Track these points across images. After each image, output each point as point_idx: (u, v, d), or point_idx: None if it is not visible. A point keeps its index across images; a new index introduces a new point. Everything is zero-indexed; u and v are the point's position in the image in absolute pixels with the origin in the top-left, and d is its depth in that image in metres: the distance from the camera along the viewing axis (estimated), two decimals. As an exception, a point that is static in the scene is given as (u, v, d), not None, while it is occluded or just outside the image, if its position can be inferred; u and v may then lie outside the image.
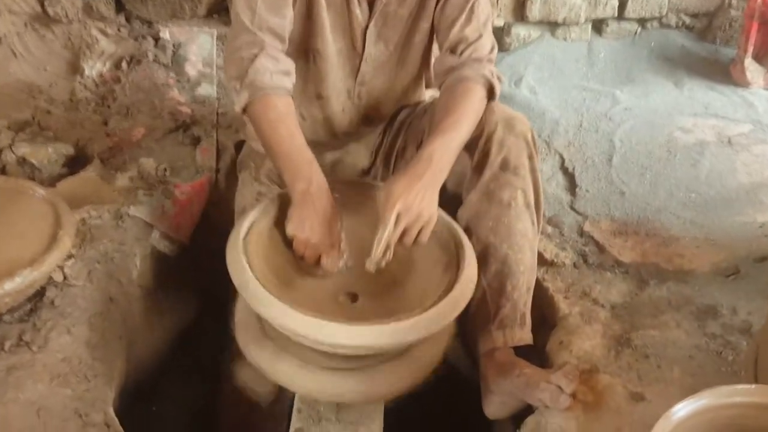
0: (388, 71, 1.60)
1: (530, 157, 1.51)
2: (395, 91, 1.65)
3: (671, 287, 1.64)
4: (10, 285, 1.37)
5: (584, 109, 2.29)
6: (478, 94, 1.45)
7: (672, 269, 1.69)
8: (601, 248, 1.76)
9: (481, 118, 1.47)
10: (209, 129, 2.06)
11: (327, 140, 1.68)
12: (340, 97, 1.61)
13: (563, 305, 1.63)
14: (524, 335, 1.51)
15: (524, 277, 1.51)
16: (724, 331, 1.52)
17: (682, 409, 1.07)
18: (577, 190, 1.97)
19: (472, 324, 1.53)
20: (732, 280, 1.66)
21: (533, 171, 1.52)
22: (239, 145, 1.88)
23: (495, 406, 1.47)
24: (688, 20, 2.64)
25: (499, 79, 1.49)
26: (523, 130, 1.50)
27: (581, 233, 1.82)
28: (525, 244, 1.51)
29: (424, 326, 1.25)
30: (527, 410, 1.43)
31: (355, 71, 1.58)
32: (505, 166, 1.50)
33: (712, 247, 1.76)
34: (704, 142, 2.13)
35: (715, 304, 1.59)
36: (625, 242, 1.78)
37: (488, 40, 1.50)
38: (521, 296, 1.51)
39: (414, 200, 1.30)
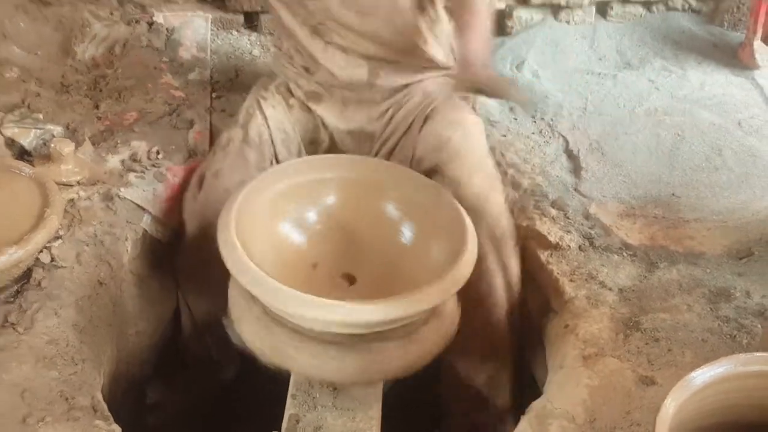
0: None
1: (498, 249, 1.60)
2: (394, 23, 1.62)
3: (681, 270, 1.59)
4: (-5, 263, 1.32)
5: (588, 93, 2.23)
6: None
7: (682, 251, 1.64)
8: (607, 231, 1.71)
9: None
10: (203, 113, 2.01)
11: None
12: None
13: (569, 288, 1.57)
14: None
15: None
16: (737, 314, 1.46)
17: (699, 376, 1.02)
18: (582, 172, 1.91)
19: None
20: (745, 263, 1.61)
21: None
22: None
23: None
24: (694, 3, 2.58)
25: None
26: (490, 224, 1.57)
27: (587, 216, 1.76)
28: None
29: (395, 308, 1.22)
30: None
31: None
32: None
33: (724, 229, 1.71)
34: (714, 125, 2.08)
35: (727, 286, 1.53)
36: (633, 224, 1.73)
37: None
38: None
39: None
